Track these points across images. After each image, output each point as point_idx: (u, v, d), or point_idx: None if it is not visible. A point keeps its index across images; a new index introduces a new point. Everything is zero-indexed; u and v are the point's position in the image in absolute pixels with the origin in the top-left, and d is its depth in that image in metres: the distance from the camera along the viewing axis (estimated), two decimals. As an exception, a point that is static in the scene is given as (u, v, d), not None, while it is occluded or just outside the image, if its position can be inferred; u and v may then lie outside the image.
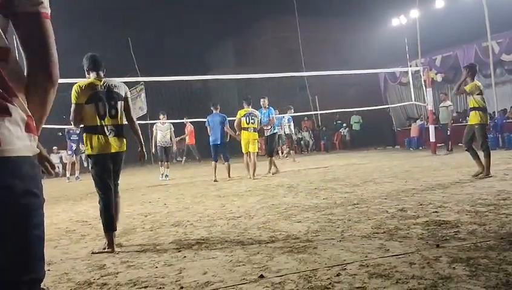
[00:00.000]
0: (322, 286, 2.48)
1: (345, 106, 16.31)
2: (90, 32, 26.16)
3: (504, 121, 14.02)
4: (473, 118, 6.87)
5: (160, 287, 2.70)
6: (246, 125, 9.66)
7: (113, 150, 3.91)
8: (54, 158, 21.07)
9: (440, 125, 13.83)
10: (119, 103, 3.97)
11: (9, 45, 1.15)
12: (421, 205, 4.75)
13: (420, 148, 16.53)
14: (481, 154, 6.81)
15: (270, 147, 10.84)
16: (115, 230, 3.88)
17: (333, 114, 20.76)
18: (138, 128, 4.27)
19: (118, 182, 4.10)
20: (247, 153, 9.80)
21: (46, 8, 1.20)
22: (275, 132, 10.78)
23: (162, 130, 11.43)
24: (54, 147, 21.04)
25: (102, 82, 3.94)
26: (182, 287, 2.67)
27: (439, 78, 16.61)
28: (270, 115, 10.52)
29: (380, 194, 5.76)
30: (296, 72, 16.11)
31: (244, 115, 9.67)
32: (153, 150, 11.53)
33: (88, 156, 3.92)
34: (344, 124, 22.76)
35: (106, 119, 3.88)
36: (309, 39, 25.33)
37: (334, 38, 27.01)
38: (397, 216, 4.26)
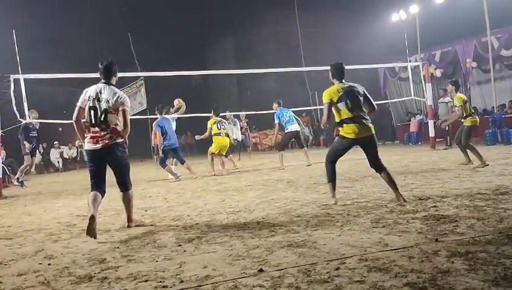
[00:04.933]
0: (321, 279, 2.50)
1: (345, 101, 16.20)
2: (91, 27, 26.09)
3: (503, 116, 14.02)
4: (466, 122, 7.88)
5: (160, 281, 2.71)
6: (217, 131, 10.38)
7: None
8: (55, 153, 21.06)
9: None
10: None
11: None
12: (420, 199, 4.77)
13: (420, 143, 16.54)
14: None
15: None
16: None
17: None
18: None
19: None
20: (216, 153, 10.39)
21: (127, 107, 4.33)
22: None
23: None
24: (56, 142, 21.03)
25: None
26: (182, 281, 2.68)
27: (438, 73, 16.60)
28: None
29: (380, 188, 5.76)
30: (295, 68, 16.05)
31: (214, 123, 10.40)
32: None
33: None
34: (344, 119, 22.69)
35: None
36: (309, 34, 25.27)
37: (334, 33, 26.89)
38: (396, 211, 4.27)
